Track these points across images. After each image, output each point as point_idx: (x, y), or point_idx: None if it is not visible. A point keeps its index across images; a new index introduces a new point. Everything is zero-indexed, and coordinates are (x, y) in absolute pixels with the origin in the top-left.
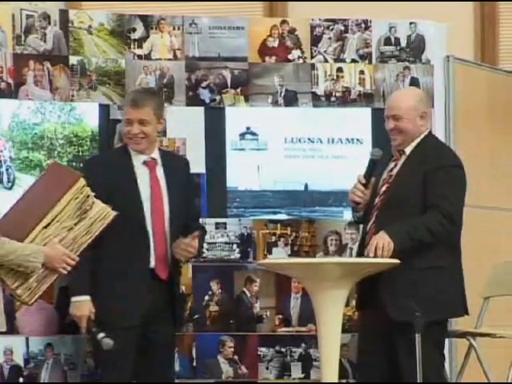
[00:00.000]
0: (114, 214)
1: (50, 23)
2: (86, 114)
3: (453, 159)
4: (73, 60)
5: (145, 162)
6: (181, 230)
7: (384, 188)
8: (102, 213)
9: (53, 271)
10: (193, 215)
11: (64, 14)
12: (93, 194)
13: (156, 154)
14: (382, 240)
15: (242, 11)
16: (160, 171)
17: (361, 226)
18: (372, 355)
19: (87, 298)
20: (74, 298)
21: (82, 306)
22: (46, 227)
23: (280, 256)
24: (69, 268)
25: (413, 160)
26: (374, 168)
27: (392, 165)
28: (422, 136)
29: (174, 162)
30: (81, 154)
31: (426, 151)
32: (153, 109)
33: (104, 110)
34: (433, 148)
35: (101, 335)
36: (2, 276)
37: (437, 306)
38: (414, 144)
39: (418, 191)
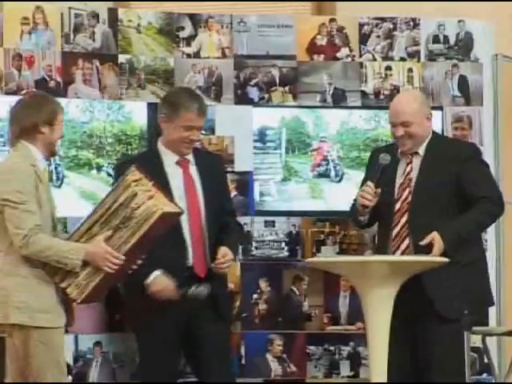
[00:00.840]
0: (159, 212)
1: (98, 22)
2: (135, 113)
3: (473, 148)
4: (121, 58)
5: (177, 162)
6: (218, 227)
7: (406, 192)
8: (148, 212)
9: (98, 269)
10: (229, 211)
11: (113, 12)
12: (148, 191)
13: (189, 154)
14: (437, 240)
15: (291, 10)
16: (193, 170)
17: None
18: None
19: (157, 271)
20: (148, 280)
21: (159, 279)
22: (93, 226)
23: (328, 254)
24: (114, 267)
25: (430, 160)
26: (383, 173)
27: (408, 168)
28: (430, 136)
29: (208, 160)
30: (129, 152)
31: (441, 149)
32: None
33: (152, 108)
34: (448, 144)
35: (191, 290)
36: (51, 273)
37: (475, 299)
38: (424, 145)
39: (448, 188)
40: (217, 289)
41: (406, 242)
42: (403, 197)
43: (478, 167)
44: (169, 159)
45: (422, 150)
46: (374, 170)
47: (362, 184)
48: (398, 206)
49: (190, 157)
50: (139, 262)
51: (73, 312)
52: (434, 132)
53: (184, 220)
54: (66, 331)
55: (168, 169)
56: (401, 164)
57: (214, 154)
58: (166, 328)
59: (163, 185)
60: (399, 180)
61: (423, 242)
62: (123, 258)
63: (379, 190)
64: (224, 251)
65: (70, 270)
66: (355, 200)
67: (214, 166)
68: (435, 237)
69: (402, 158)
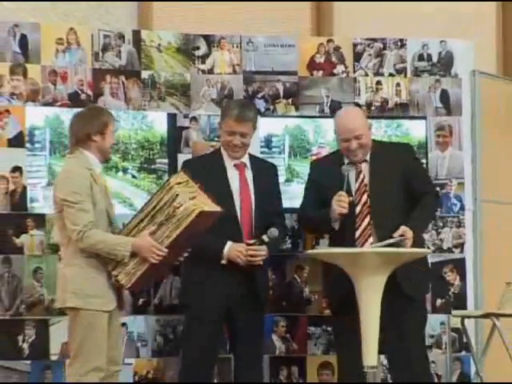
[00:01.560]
0: (197, 211)
1: (124, 42)
2: (156, 122)
3: (410, 148)
4: (144, 74)
5: (235, 165)
6: (265, 224)
7: (365, 196)
8: (188, 210)
9: (144, 260)
10: (277, 212)
11: (137, 33)
12: (190, 193)
13: (246, 159)
14: (410, 234)
15: (293, 30)
16: (249, 173)
17: None
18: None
19: (228, 243)
20: (224, 253)
21: (232, 249)
22: (141, 222)
23: (326, 247)
24: (158, 258)
25: (377, 164)
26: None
27: (361, 176)
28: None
29: (261, 166)
30: (151, 157)
31: (384, 153)
32: (253, 123)
33: (171, 118)
34: (388, 148)
35: (266, 236)
36: (104, 263)
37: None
38: (369, 152)
39: (399, 186)
40: (259, 278)
41: (370, 240)
42: (362, 201)
43: (419, 166)
44: (228, 161)
45: (368, 157)
46: (336, 181)
47: (306, 194)
48: (358, 209)
49: (247, 161)
50: (184, 255)
51: (123, 298)
52: (372, 139)
53: (238, 214)
54: None
55: (228, 170)
56: (351, 173)
57: (268, 161)
58: (213, 304)
59: (224, 183)
60: (354, 187)
61: (396, 234)
62: (166, 250)
63: (351, 199)
64: (259, 247)
65: (120, 260)
66: (303, 213)
67: (267, 172)
68: (406, 230)
69: (351, 168)
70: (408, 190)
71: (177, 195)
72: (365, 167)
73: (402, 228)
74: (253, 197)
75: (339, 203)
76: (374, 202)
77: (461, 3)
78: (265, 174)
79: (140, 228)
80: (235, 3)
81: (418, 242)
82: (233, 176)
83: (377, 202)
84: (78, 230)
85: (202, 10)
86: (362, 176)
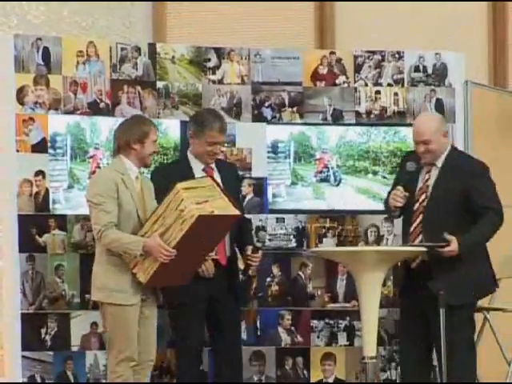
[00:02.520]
0: (196, 215)
1: (140, 54)
2: (170, 129)
3: (483, 165)
4: (159, 84)
5: (204, 169)
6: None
7: (423, 196)
8: (189, 213)
9: (155, 259)
10: (241, 210)
11: (152, 46)
12: (199, 195)
13: (212, 163)
14: (454, 245)
15: (298, 43)
16: (217, 176)
17: (395, 221)
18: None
19: None
20: None
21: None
22: (154, 223)
23: (329, 245)
24: (166, 257)
25: (446, 171)
26: (411, 178)
27: (426, 176)
28: (448, 150)
29: (226, 168)
30: (166, 161)
31: (456, 162)
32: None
33: (184, 125)
34: (462, 159)
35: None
36: (127, 261)
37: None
38: (443, 157)
39: (456, 197)
40: (234, 276)
41: (420, 238)
42: (420, 200)
43: (485, 183)
44: (197, 166)
45: (440, 162)
46: (403, 175)
47: (395, 182)
48: (416, 206)
49: (213, 165)
50: (208, 257)
51: (157, 292)
52: (452, 146)
53: None
54: None
55: (197, 175)
56: (422, 172)
57: (231, 162)
58: (195, 304)
59: None
60: (419, 185)
61: (444, 237)
62: (173, 250)
63: (407, 194)
64: (254, 250)
65: (133, 258)
66: (387, 197)
67: (232, 173)
68: (453, 241)
69: (424, 167)
70: (467, 205)
71: (182, 200)
72: (434, 170)
73: (449, 237)
74: None
75: (394, 197)
76: (429, 204)
77: (454, 16)
78: (230, 175)
79: (154, 229)
80: (244, 19)
81: (468, 256)
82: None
83: (432, 205)
84: (98, 229)
85: (213, 24)
86: (427, 177)
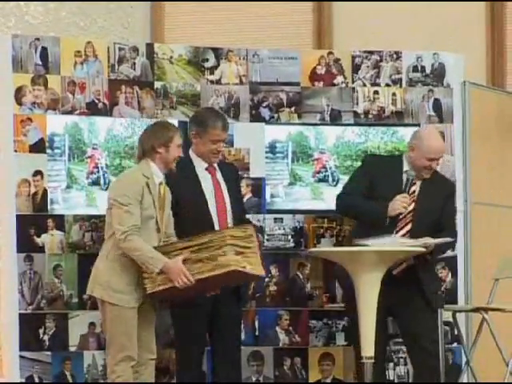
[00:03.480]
0: (233, 268)
1: (138, 54)
2: None
3: (454, 187)
4: (157, 85)
5: (207, 169)
6: (237, 222)
7: (413, 205)
8: (227, 262)
9: (169, 279)
10: (243, 210)
11: (150, 46)
12: (240, 245)
13: (216, 162)
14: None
15: (296, 43)
16: (219, 175)
17: None
18: None
19: None
20: None
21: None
22: (187, 248)
23: (327, 245)
24: (183, 284)
25: (429, 184)
26: (383, 182)
27: (413, 187)
28: None
29: (227, 168)
30: None
31: (435, 178)
32: None
33: (183, 125)
34: (439, 176)
35: None
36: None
37: None
38: None
39: (438, 210)
40: None
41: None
42: (409, 208)
43: (453, 204)
44: (200, 166)
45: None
46: (394, 182)
47: (356, 181)
48: (402, 214)
49: (215, 164)
50: (208, 295)
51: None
52: None
53: (213, 217)
54: None
55: (200, 174)
56: (407, 184)
57: (232, 163)
58: (200, 305)
59: (196, 187)
60: (403, 194)
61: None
62: (193, 280)
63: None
64: None
65: (150, 272)
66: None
67: (232, 173)
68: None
69: (409, 177)
70: (439, 217)
71: (226, 245)
72: (418, 183)
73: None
74: (227, 198)
75: (402, 204)
76: (417, 213)
77: (452, 17)
78: (230, 174)
79: (182, 253)
80: (242, 19)
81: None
82: (205, 180)
83: (419, 214)
84: (123, 230)
85: (211, 24)
86: (414, 187)
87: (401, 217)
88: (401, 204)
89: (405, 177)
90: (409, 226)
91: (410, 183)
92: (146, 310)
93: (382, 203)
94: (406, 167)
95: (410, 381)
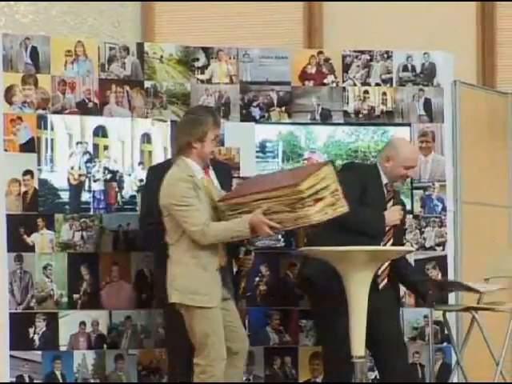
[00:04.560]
0: (312, 222)
1: (128, 54)
2: None
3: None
4: (147, 84)
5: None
6: None
7: None
8: (307, 215)
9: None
10: None
11: (140, 46)
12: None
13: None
14: None
15: (286, 43)
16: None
17: None
18: None
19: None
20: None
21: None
22: (260, 200)
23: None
24: (271, 232)
25: (397, 197)
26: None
27: (393, 200)
28: None
29: (221, 166)
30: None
31: (398, 192)
32: None
33: (173, 124)
34: (397, 191)
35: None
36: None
37: None
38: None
39: (403, 224)
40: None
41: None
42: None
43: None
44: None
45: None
46: (380, 192)
47: (352, 190)
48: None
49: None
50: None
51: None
52: None
53: None
54: (102, 308)
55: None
56: (387, 195)
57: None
58: None
59: None
60: (389, 205)
61: None
62: (279, 227)
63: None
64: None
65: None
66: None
67: (226, 171)
68: None
69: (385, 189)
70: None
71: (302, 198)
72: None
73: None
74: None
75: (400, 215)
76: (396, 226)
77: (443, 16)
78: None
79: (261, 205)
80: (233, 18)
81: None
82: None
83: (397, 227)
84: (199, 228)
85: (201, 23)
86: (393, 200)
87: (388, 228)
88: (399, 215)
89: (385, 189)
90: (392, 240)
91: (396, 194)
92: (228, 305)
93: (380, 213)
94: (384, 179)
95: None
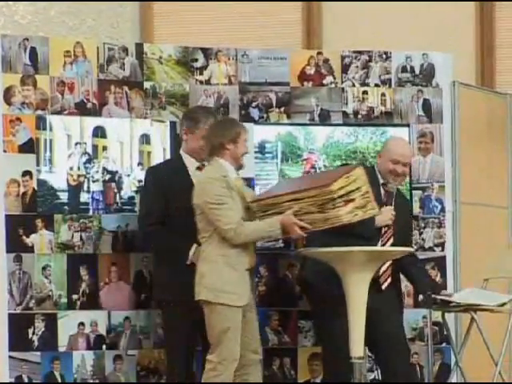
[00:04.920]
0: (345, 222)
1: (127, 54)
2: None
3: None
4: (146, 85)
5: (198, 167)
6: None
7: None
8: (338, 217)
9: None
10: None
11: (139, 46)
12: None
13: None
14: None
15: (285, 43)
16: None
17: None
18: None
19: (194, 245)
20: (190, 255)
21: (196, 251)
22: (290, 202)
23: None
24: (302, 233)
25: (398, 197)
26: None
27: (389, 200)
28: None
29: None
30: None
31: (399, 194)
32: None
33: (172, 125)
34: (400, 192)
35: None
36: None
37: None
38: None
39: (407, 224)
40: None
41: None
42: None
43: (412, 221)
44: (191, 165)
45: (394, 189)
46: (376, 193)
47: None
48: (384, 228)
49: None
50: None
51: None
52: None
53: None
54: (101, 308)
55: (191, 173)
56: (384, 196)
57: None
58: (188, 304)
59: (188, 184)
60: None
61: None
62: (310, 227)
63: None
64: None
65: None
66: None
67: None
68: None
69: (383, 189)
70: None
71: (333, 199)
72: (389, 195)
73: None
74: None
75: (391, 217)
76: (396, 227)
77: (441, 17)
78: None
79: (292, 206)
80: (232, 19)
81: None
82: (196, 176)
83: (398, 227)
84: (232, 227)
85: (200, 24)
86: (389, 201)
87: (385, 229)
88: (391, 216)
89: (382, 189)
90: (392, 240)
91: (392, 196)
92: (249, 313)
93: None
94: (381, 180)
95: None
